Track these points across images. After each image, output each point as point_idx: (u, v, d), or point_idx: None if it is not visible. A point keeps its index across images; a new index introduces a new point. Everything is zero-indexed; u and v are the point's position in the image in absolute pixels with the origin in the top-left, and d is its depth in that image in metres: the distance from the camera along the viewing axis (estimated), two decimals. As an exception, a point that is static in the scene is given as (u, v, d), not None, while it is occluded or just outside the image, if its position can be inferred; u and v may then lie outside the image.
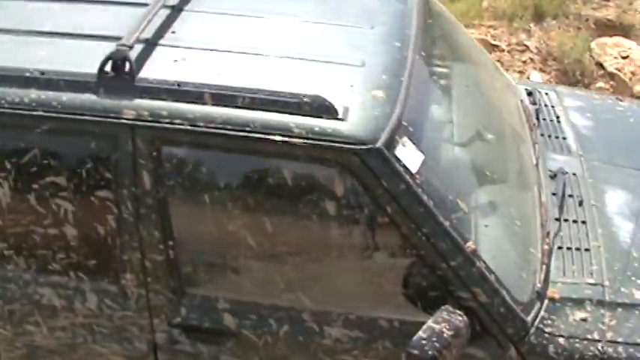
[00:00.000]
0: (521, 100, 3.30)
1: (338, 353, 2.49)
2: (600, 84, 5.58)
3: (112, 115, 2.31)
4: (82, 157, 2.38)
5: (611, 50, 5.78)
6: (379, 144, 2.23)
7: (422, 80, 2.60)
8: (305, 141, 2.24)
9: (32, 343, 2.61)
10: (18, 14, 2.66)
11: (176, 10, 2.65)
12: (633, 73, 5.60)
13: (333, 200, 2.30)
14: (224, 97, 2.30)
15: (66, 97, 2.33)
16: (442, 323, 2.22)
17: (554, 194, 2.84)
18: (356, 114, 2.30)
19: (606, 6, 6.30)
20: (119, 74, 2.33)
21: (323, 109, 2.27)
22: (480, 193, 2.64)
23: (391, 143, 2.25)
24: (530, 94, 3.38)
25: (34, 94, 2.33)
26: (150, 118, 2.30)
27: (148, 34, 2.46)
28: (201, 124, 2.28)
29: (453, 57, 3.13)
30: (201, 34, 2.59)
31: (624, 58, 5.71)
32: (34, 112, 2.32)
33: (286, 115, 2.27)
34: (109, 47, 2.34)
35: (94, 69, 2.34)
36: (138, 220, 2.39)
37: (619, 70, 5.63)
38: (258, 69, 2.45)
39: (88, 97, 2.32)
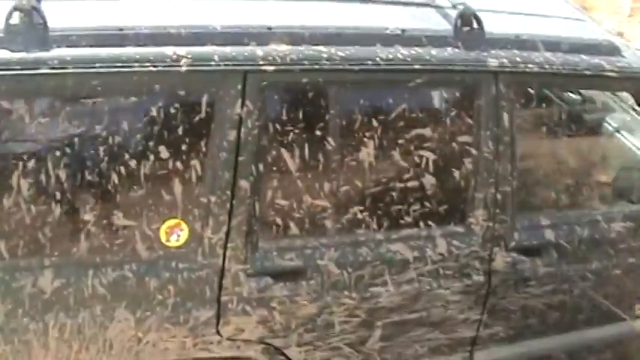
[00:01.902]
0: None
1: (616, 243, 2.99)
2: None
3: (479, 65, 2.57)
4: (446, 107, 2.60)
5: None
6: None
7: None
8: None
9: (375, 306, 2.71)
10: None
11: None
12: None
13: None
14: (551, 44, 2.71)
15: (434, 51, 2.53)
16: None
17: None
18: None
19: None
20: (472, 29, 2.59)
21: None
22: None
23: None
24: None
25: (402, 50, 2.50)
26: (510, 65, 2.60)
27: None
28: (547, 67, 2.66)
29: None
30: None
31: None
32: (408, 67, 2.49)
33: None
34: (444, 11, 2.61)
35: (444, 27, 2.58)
36: (496, 158, 2.66)
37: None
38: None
39: (453, 51, 2.55)
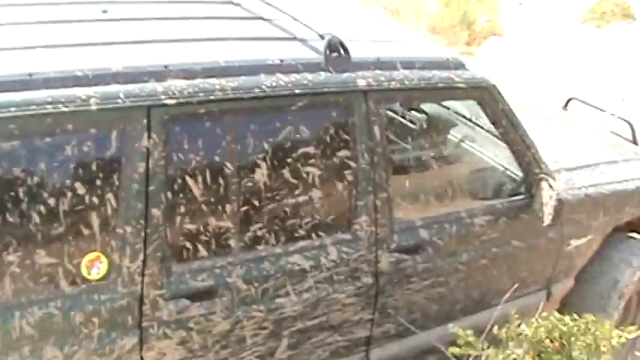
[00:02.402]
0: None
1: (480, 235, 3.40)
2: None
3: (349, 85, 2.90)
4: (325, 126, 2.91)
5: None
6: None
7: None
8: None
9: (280, 317, 2.92)
10: None
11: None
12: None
13: None
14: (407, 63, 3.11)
15: (310, 76, 2.84)
16: None
17: None
18: None
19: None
20: (340, 55, 2.93)
21: None
22: None
23: None
24: None
25: (283, 78, 2.79)
26: (375, 84, 2.96)
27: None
28: (406, 82, 3.05)
29: None
30: None
31: None
32: (289, 92, 2.78)
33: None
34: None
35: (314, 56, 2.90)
36: (372, 168, 2.99)
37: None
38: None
39: (326, 75, 2.88)
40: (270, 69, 2.79)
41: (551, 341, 2.94)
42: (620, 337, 2.95)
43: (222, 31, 3.03)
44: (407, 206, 3.22)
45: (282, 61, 2.82)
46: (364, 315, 3.14)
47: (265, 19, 3.19)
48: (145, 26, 2.96)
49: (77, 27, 2.85)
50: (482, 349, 2.90)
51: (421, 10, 8.14)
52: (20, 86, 2.36)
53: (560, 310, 3.46)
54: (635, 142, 4.49)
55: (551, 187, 3.39)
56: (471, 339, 2.90)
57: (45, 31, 2.73)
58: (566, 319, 2.96)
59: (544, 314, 3.01)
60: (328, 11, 3.61)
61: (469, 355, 2.92)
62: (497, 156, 3.61)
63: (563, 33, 9.20)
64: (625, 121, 4.57)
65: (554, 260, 3.75)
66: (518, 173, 3.51)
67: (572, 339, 2.92)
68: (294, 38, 3.05)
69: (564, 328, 2.94)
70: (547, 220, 3.40)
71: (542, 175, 3.43)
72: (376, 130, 2.99)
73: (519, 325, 2.96)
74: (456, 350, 2.92)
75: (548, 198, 3.38)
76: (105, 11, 2.98)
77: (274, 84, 2.75)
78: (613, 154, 4.21)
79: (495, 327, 2.95)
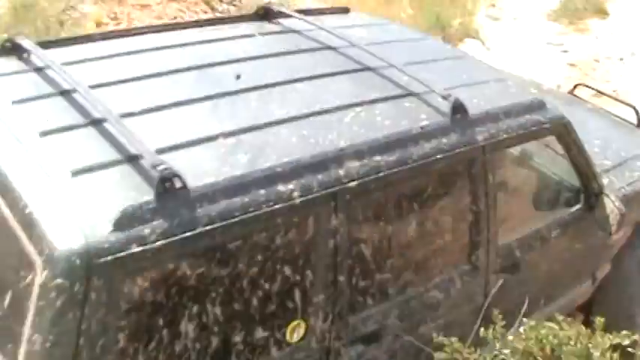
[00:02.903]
0: None
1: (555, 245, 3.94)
2: None
3: (471, 143, 3.33)
4: (454, 179, 3.34)
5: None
6: None
7: None
8: None
9: (421, 342, 3.38)
10: None
11: None
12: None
13: None
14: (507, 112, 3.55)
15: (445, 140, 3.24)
16: None
17: None
18: None
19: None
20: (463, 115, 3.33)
21: None
22: None
23: None
24: None
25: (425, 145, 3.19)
26: (490, 138, 3.39)
27: None
28: (510, 132, 3.49)
29: None
30: None
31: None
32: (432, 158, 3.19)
33: None
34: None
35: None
36: (487, 208, 3.45)
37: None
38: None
39: (455, 136, 3.28)
40: (415, 138, 3.16)
41: (541, 350, 2.98)
42: (611, 342, 2.96)
43: (352, 93, 3.34)
44: (504, 231, 3.70)
45: (422, 128, 3.21)
46: (472, 327, 3.65)
47: (371, 69, 3.53)
48: (279, 95, 3.24)
49: (226, 104, 3.11)
50: (469, 354, 3.01)
51: (395, 14, 8.34)
52: (236, 190, 2.68)
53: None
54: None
55: (613, 202, 3.95)
56: (456, 345, 3.00)
57: (204, 115, 3.01)
58: (556, 328, 3.01)
59: (532, 324, 3.06)
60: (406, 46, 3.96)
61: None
62: (557, 171, 4.12)
63: (536, 32, 9.49)
64: (630, 105, 5.13)
65: (601, 253, 4.35)
66: (578, 186, 4.04)
67: (564, 348, 2.95)
68: (410, 94, 3.41)
69: (555, 341, 2.97)
70: (614, 231, 3.97)
71: (604, 191, 3.99)
72: (489, 176, 3.44)
73: (504, 326, 3.05)
74: (442, 356, 3.02)
75: (610, 211, 3.94)
76: (239, 76, 3.25)
77: (421, 152, 3.14)
78: (633, 145, 4.79)
79: (482, 329, 3.09)
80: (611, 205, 3.97)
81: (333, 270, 2.94)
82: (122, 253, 2.40)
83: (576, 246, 4.08)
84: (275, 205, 2.72)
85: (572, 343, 2.93)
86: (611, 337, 2.96)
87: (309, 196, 2.81)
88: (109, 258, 2.38)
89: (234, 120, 3.00)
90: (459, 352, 2.97)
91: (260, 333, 2.82)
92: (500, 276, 3.63)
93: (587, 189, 4.03)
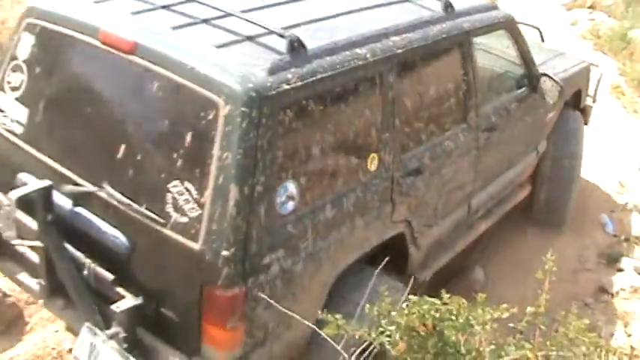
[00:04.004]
0: None
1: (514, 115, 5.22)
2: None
3: (460, 28, 4.55)
4: (453, 55, 4.55)
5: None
6: None
7: None
8: None
9: (442, 180, 4.54)
10: None
11: None
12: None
13: None
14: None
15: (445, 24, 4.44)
16: None
17: None
18: None
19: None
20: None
21: None
22: None
23: None
24: None
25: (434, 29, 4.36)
26: (470, 26, 4.63)
27: None
28: (483, 23, 4.74)
29: None
30: None
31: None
32: (440, 38, 4.37)
33: None
34: None
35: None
36: (474, 80, 4.67)
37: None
38: None
39: (449, 23, 4.49)
40: (427, 23, 4.34)
41: (424, 325, 3.02)
42: (492, 316, 3.02)
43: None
44: (485, 100, 4.91)
45: (431, 17, 4.38)
46: (470, 175, 4.83)
47: None
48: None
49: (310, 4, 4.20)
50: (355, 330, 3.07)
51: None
52: (333, 51, 3.73)
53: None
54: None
55: (553, 79, 5.27)
56: (340, 322, 3.04)
57: (298, 10, 4.07)
58: (438, 303, 3.06)
59: (414, 299, 3.09)
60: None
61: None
62: (504, 63, 5.40)
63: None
64: (533, 27, 6.46)
65: (542, 129, 5.68)
66: (524, 72, 5.35)
67: (445, 323, 3.01)
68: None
69: (436, 314, 3.02)
70: (557, 103, 5.31)
71: (542, 73, 5.32)
72: (473, 55, 4.65)
73: (390, 303, 3.10)
74: (330, 332, 3.07)
75: (552, 87, 5.27)
76: None
77: (432, 33, 4.31)
78: (552, 51, 6.20)
79: (367, 305, 3.18)
80: (552, 82, 5.28)
81: (392, 115, 4.03)
82: (277, 90, 3.38)
83: (527, 119, 5.37)
84: (357, 61, 3.79)
85: (453, 317, 3.01)
86: (491, 310, 3.03)
87: (375, 58, 3.89)
88: (271, 93, 3.36)
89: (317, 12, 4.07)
90: (344, 328, 3.06)
91: (354, 160, 3.87)
92: (484, 134, 4.85)
93: (531, 74, 5.33)
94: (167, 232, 3.38)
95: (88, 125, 3.75)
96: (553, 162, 5.94)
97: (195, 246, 3.30)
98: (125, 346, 3.48)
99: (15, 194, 3.58)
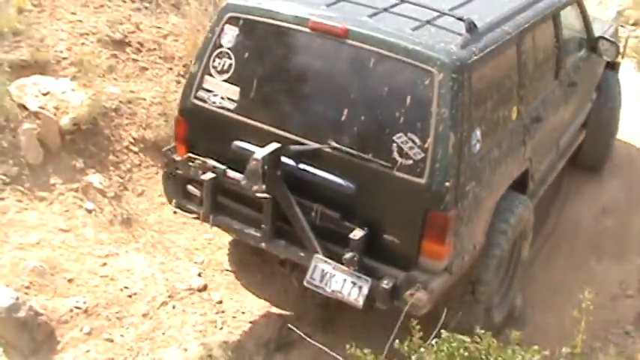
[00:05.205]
0: None
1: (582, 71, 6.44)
2: (27, 125, 5.74)
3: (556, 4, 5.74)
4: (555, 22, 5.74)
5: (31, 90, 6.03)
6: None
7: None
8: None
9: (548, 126, 5.70)
10: None
11: None
12: (57, 108, 6.02)
13: None
14: None
15: None
16: None
17: None
18: None
19: (18, 47, 6.43)
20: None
21: None
22: None
23: None
24: None
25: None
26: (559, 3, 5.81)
27: None
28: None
29: None
30: None
31: (45, 95, 6.07)
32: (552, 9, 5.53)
33: None
34: None
35: None
36: (564, 42, 5.90)
37: (43, 108, 5.91)
38: None
39: None
40: (535, 3, 5.46)
41: None
42: (522, 358, 2.97)
43: None
44: (567, 61, 6.08)
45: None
46: (561, 121, 6.05)
47: None
48: None
49: None
50: None
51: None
52: (491, 29, 4.81)
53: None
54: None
55: (610, 39, 6.51)
56: (369, 358, 3.05)
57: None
58: (467, 341, 3.02)
59: (445, 335, 3.11)
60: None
61: None
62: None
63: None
64: None
65: (595, 82, 7.00)
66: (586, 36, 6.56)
67: None
68: None
69: (465, 353, 3.00)
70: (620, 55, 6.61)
71: (599, 36, 6.56)
72: (561, 24, 5.80)
73: (422, 338, 3.09)
74: None
75: (610, 46, 6.49)
76: None
77: (539, 10, 5.44)
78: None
79: (397, 341, 3.28)
80: (609, 43, 6.51)
81: (523, 74, 5.15)
82: (470, 61, 4.46)
83: (589, 75, 6.66)
84: (506, 35, 4.88)
85: (482, 357, 2.98)
86: (522, 352, 2.96)
87: (515, 32, 5.00)
88: (468, 62, 4.43)
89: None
90: None
91: (505, 112, 4.98)
92: (569, 88, 6.04)
93: (590, 38, 6.55)
94: (394, 173, 4.39)
95: (308, 97, 4.67)
96: (596, 111, 7.19)
97: (421, 181, 4.33)
98: (355, 267, 4.45)
99: (261, 153, 4.49)
